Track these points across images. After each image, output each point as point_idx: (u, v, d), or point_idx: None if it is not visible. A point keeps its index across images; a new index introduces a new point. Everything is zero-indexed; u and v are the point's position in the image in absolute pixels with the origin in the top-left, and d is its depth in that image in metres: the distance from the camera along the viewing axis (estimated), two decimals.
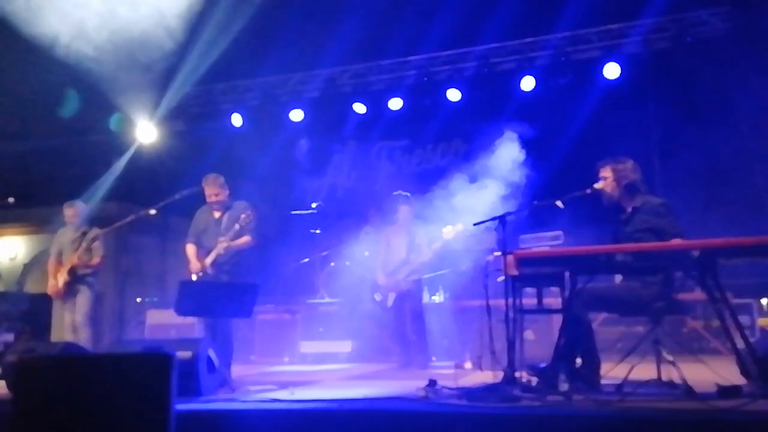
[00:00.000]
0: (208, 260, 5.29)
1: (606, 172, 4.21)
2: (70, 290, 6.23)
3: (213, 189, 5.45)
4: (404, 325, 6.40)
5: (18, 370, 2.44)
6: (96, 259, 6.30)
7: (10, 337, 6.53)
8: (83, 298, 6.20)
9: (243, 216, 5.27)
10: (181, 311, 4.80)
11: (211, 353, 4.38)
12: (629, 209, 4.14)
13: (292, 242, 8.69)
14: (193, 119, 9.87)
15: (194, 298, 4.70)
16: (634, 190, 4.16)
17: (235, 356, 5.76)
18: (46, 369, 2.47)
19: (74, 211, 6.48)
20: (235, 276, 5.39)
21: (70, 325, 6.09)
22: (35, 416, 2.39)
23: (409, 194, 6.58)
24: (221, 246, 5.25)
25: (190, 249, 5.49)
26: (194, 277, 5.32)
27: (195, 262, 5.38)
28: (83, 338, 5.93)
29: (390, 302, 6.42)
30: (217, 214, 5.51)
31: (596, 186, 4.24)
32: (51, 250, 6.56)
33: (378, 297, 6.51)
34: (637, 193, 4.15)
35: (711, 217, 6.16)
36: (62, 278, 6.23)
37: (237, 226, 5.25)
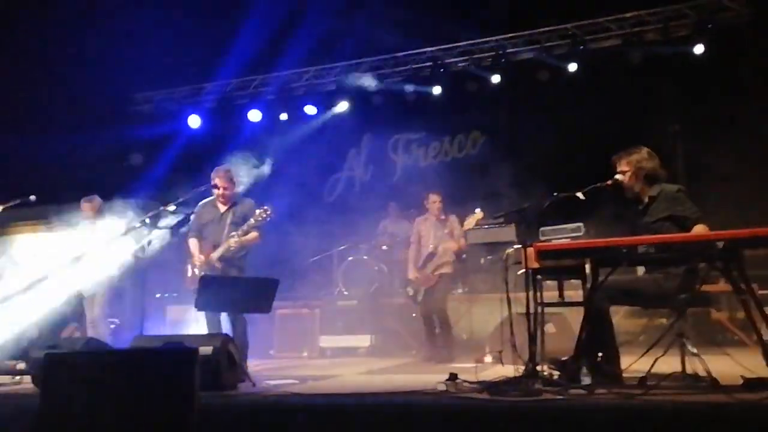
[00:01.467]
0: (216, 254, 5.25)
1: (623, 166, 4.15)
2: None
3: (223, 182, 5.40)
4: (432, 318, 6.40)
5: (45, 366, 2.47)
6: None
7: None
8: (101, 291, 6.23)
9: (258, 211, 5.23)
10: (202, 306, 4.83)
11: (232, 348, 4.40)
12: (646, 199, 4.09)
13: (310, 237, 8.71)
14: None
15: (214, 294, 4.72)
16: (653, 179, 4.10)
17: (255, 351, 5.79)
18: (72, 364, 2.49)
19: (92, 206, 6.48)
20: (243, 269, 5.39)
21: (90, 320, 6.14)
22: (61, 411, 2.42)
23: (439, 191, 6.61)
24: (232, 241, 5.21)
25: (193, 243, 5.45)
26: (196, 271, 5.29)
27: (198, 255, 5.35)
28: (102, 333, 5.95)
29: (420, 296, 6.43)
30: (222, 208, 5.47)
31: (617, 178, 4.18)
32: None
33: (410, 291, 6.53)
34: (656, 182, 4.09)
35: (735, 208, 6.06)
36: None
37: (252, 221, 5.20)
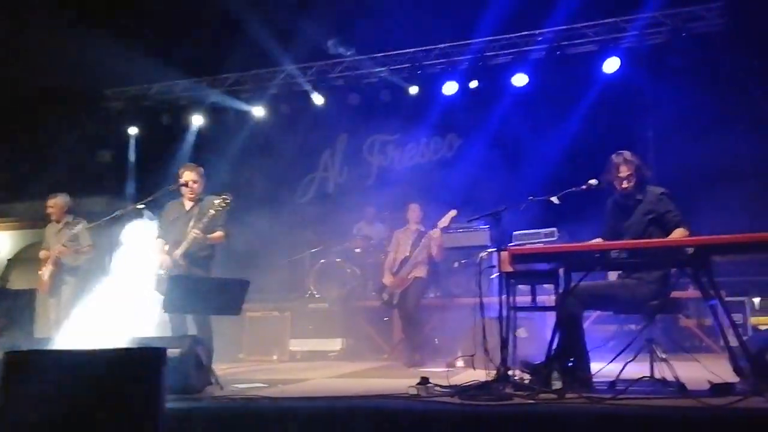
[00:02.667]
0: (179, 251, 5.11)
1: (625, 167, 4.10)
2: (55, 283, 6.15)
3: (192, 176, 5.32)
4: (406, 322, 6.41)
5: (4, 366, 2.37)
6: (82, 250, 6.20)
7: None
8: (68, 291, 6.14)
9: (217, 202, 5.11)
10: (170, 308, 4.71)
11: (200, 350, 4.31)
12: (631, 202, 4.11)
13: (282, 239, 8.62)
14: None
15: (182, 295, 4.62)
16: (642, 184, 4.12)
17: (224, 354, 5.68)
18: (33, 364, 2.40)
19: (56, 204, 6.40)
20: (208, 270, 5.28)
21: (55, 320, 6.01)
22: (23, 412, 2.32)
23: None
24: (192, 235, 5.07)
25: (157, 243, 5.30)
26: (162, 272, 5.15)
27: (163, 257, 5.18)
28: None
29: (396, 300, 6.45)
30: (188, 205, 5.37)
31: (591, 182, 4.20)
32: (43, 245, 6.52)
33: (385, 297, 6.53)
34: (644, 185, 4.12)
35: (706, 214, 6.16)
36: (47, 270, 6.14)
37: (211, 212, 5.07)
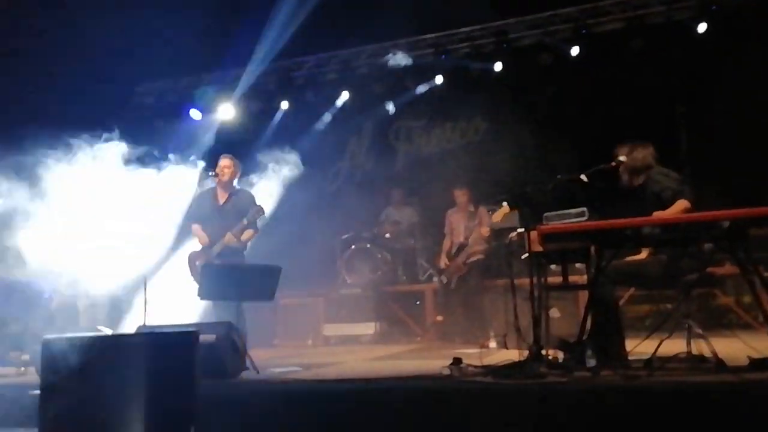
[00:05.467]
0: (216, 250, 5.33)
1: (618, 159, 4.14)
2: None
3: (229, 166, 5.47)
4: (467, 307, 6.51)
5: (43, 353, 2.46)
6: None
7: None
8: None
9: (253, 211, 5.28)
10: (204, 295, 4.81)
11: (235, 335, 4.39)
12: (635, 185, 4.14)
13: (312, 226, 8.67)
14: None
15: (216, 282, 4.71)
16: (639, 170, 4.13)
17: (258, 340, 5.78)
18: (71, 350, 2.48)
19: None
20: (243, 257, 5.44)
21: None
22: (61, 397, 2.41)
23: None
24: (229, 239, 5.28)
25: (196, 228, 5.50)
26: (199, 264, 5.31)
27: (204, 236, 5.39)
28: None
29: (453, 285, 6.59)
30: (222, 198, 5.49)
31: (621, 159, 4.15)
32: None
33: (443, 280, 6.69)
34: (641, 172, 4.13)
35: (740, 187, 6.01)
36: None
37: (245, 221, 5.27)
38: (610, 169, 4.20)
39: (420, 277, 7.99)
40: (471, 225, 6.67)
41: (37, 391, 2.44)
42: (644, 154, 4.09)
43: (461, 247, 6.62)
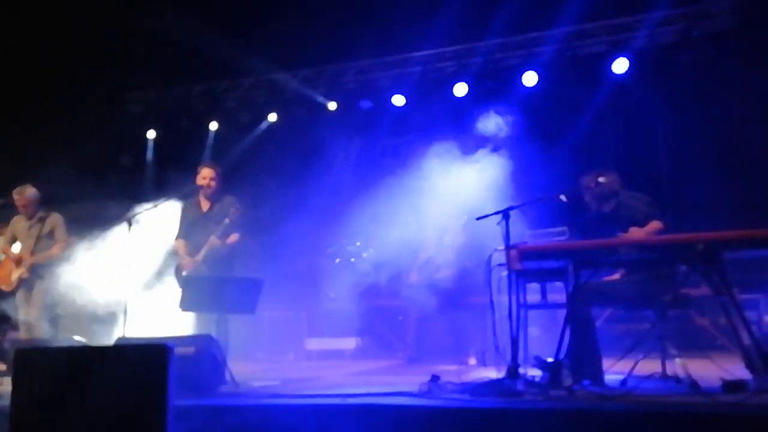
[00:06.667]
0: (200, 257, 5.24)
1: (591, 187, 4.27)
2: (24, 283, 5.69)
3: (210, 173, 5.44)
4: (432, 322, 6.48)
5: (15, 362, 2.44)
6: (58, 246, 5.74)
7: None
8: (39, 290, 5.66)
9: (232, 210, 5.25)
10: (185, 306, 4.80)
11: (215, 348, 4.37)
12: (606, 211, 4.25)
13: (296, 240, 8.67)
14: None
15: (198, 293, 4.70)
16: (610, 195, 4.27)
17: (240, 353, 5.74)
18: (43, 360, 2.47)
19: (25, 197, 5.81)
20: (231, 269, 5.39)
21: (25, 321, 5.66)
22: (32, 408, 2.39)
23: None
24: (213, 242, 5.21)
25: (180, 245, 5.41)
26: (185, 274, 5.25)
27: (187, 259, 5.29)
28: (39, 336, 5.49)
29: (420, 299, 6.49)
30: (204, 206, 5.47)
31: (600, 180, 4.22)
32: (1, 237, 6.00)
33: (409, 294, 6.57)
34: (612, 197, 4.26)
35: (720, 210, 6.11)
36: (17, 273, 5.68)
37: (226, 221, 5.21)
38: (589, 188, 4.28)
39: (403, 293, 7.99)
40: (439, 240, 6.49)
41: (8, 402, 2.42)
42: (609, 180, 4.19)
43: (429, 262, 6.49)
